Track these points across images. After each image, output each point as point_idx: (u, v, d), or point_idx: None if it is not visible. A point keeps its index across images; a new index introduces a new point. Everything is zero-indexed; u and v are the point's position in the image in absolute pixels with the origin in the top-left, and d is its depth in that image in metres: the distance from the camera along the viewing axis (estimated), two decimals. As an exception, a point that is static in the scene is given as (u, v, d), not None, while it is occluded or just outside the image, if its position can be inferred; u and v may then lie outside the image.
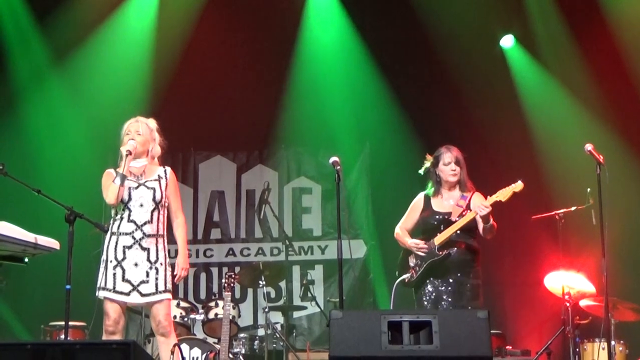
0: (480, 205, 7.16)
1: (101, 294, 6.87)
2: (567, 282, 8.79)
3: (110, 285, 6.79)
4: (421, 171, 7.68)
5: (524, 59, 11.69)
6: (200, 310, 9.80)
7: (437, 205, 7.52)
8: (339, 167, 7.06)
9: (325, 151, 11.25)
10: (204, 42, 11.42)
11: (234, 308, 9.52)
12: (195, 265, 11.66)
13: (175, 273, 6.96)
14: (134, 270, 6.81)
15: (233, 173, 12.21)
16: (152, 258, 6.85)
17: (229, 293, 8.83)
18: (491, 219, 7.21)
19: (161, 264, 6.87)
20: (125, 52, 11.55)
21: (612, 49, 10.74)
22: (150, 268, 6.83)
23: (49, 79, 11.53)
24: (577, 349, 8.71)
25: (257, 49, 11.55)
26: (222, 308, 8.99)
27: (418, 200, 7.66)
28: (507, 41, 11.80)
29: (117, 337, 6.77)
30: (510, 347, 9.72)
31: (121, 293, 6.79)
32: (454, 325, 5.26)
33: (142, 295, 6.80)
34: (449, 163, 7.49)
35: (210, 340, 9.39)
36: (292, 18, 11.71)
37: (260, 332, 10.75)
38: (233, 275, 8.99)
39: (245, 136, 12.07)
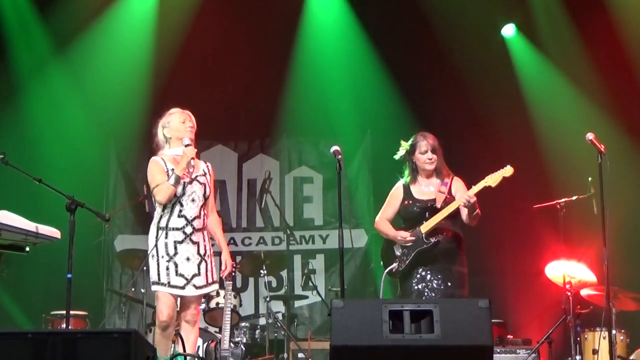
0: (463, 197, 7.14)
1: (155, 288, 6.96)
2: (568, 271, 8.79)
3: (164, 280, 6.89)
4: (396, 157, 7.65)
5: (526, 48, 11.67)
6: (202, 300, 9.80)
7: (418, 192, 7.49)
8: (340, 157, 7.05)
9: (327, 140, 11.25)
10: (205, 30, 11.40)
11: (235, 297, 9.53)
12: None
13: (223, 269, 7.13)
14: (186, 265, 6.91)
15: (234, 162, 12.21)
16: (202, 251, 6.99)
17: (230, 282, 8.86)
18: (477, 208, 7.21)
19: (209, 256, 7.03)
20: (127, 41, 11.53)
21: (614, 38, 10.72)
22: (201, 261, 6.97)
23: (50, 67, 11.51)
24: (578, 338, 8.73)
25: (258, 37, 11.53)
26: (224, 297, 9.00)
27: (397, 189, 7.63)
28: (509, 30, 11.79)
29: (170, 330, 6.91)
30: (512, 336, 9.72)
31: (176, 287, 6.89)
32: (455, 314, 5.27)
33: (197, 288, 6.94)
34: (425, 152, 7.47)
35: (212, 329, 9.41)
36: (294, 7, 11.69)
37: (262, 321, 10.78)
38: (234, 265, 9.02)
39: (247, 125, 12.07)
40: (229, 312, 8.69)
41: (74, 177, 10.48)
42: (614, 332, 8.13)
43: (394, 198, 7.62)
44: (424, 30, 11.24)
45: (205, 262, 6.97)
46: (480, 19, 11.30)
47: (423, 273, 7.33)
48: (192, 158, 6.95)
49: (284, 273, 11.47)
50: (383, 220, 7.64)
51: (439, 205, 7.32)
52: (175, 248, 6.90)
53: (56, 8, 11.20)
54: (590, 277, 8.96)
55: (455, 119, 10.98)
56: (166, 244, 6.90)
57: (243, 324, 9.93)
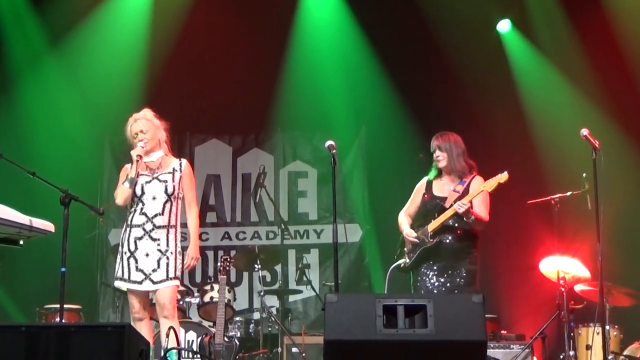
0: (459, 203, 7.18)
1: (116, 283, 7.21)
2: (562, 266, 8.80)
3: (125, 276, 7.08)
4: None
5: (521, 43, 11.68)
6: (196, 294, 9.83)
7: (437, 189, 7.54)
8: (334, 151, 7.07)
9: (321, 135, 11.26)
10: (200, 25, 11.39)
11: (229, 291, 9.54)
12: (185, 248, 11.68)
13: (185, 262, 7.19)
14: (146, 260, 7.04)
15: (229, 156, 12.20)
16: (163, 248, 7.07)
17: (225, 276, 8.86)
18: (472, 215, 7.21)
19: (171, 252, 7.09)
20: (122, 35, 11.52)
21: (609, 34, 10.72)
22: (161, 257, 7.06)
23: (45, 61, 11.50)
24: (572, 334, 8.74)
25: (254, 32, 11.51)
26: (218, 291, 9.00)
27: (420, 185, 7.69)
28: (504, 26, 11.79)
29: (144, 322, 7.12)
30: (505, 332, 9.73)
31: (135, 282, 7.05)
32: (448, 309, 5.26)
33: (154, 282, 7.05)
34: (434, 151, 7.52)
35: (206, 323, 9.42)
36: (289, 2, 11.68)
37: (256, 315, 10.79)
38: (228, 259, 9.03)
39: (241, 119, 12.05)
40: (223, 307, 8.69)
41: (68, 170, 10.45)
42: (607, 327, 8.14)
43: (417, 193, 7.69)
44: (420, 25, 11.23)
45: (167, 258, 7.05)
46: (475, 15, 11.30)
47: (431, 270, 7.38)
48: (139, 155, 7.04)
49: (278, 267, 11.47)
50: (403, 214, 7.70)
51: (447, 205, 7.34)
52: (136, 244, 7.07)
53: (51, 2, 11.18)
54: (584, 272, 8.97)
55: (450, 114, 10.96)
56: (128, 240, 7.09)
57: (237, 319, 9.95)
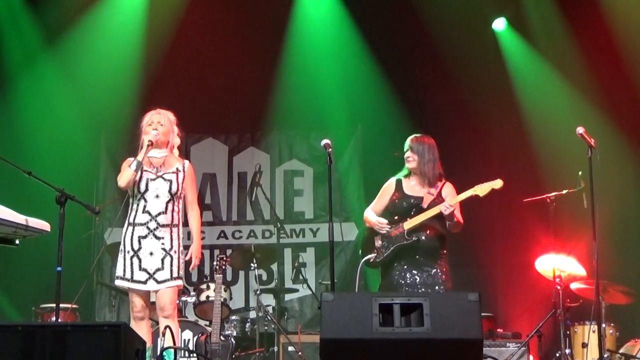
0: (445, 204, 7.20)
1: (118, 282, 7.19)
2: (558, 265, 8.81)
3: (128, 275, 7.07)
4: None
5: (516, 42, 11.67)
6: (192, 293, 9.82)
7: (409, 189, 7.55)
8: (330, 150, 7.07)
9: (317, 133, 11.25)
10: (196, 24, 11.37)
11: (225, 290, 9.53)
12: (187, 247, 11.66)
13: (187, 259, 7.19)
14: (150, 259, 7.05)
15: (225, 155, 12.19)
16: (167, 246, 7.08)
17: (221, 275, 8.86)
18: (455, 218, 7.25)
19: (175, 251, 7.10)
20: (118, 34, 11.50)
21: (604, 32, 10.73)
22: (165, 256, 7.06)
23: (40, 60, 11.47)
24: (568, 332, 8.76)
25: (250, 31, 11.51)
26: (214, 290, 9.00)
27: (389, 185, 7.68)
28: (500, 24, 11.78)
29: (145, 321, 7.12)
30: (501, 330, 9.75)
31: (139, 282, 7.05)
32: (444, 307, 5.27)
33: (158, 282, 7.05)
34: (406, 151, 7.55)
35: (202, 322, 9.41)
36: (285, 0, 11.67)
37: (252, 314, 10.77)
38: (224, 258, 9.02)
39: (237, 118, 12.05)
40: (219, 306, 8.69)
41: (64, 169, 10.44)
42: (603, 325, 8.17)
43: (385, 193, 7.68)
44: (415, 24, 11.23)
45: (171, 257, 7.06)
46: (471, 13, 11.29)
47: (405, 268, 7.40)
48: (150, 141, 7.08)
49: (274, 266, 11.47)
50: (371, 212, 7.69)
51: (425, 206, 7.37)
52: (139, 243, 7.06)
53: (47, 1, 11.17)
54: (580, 270, 8.98)
55: (446, 113, 10.98)
56: (132, 239, 7.08)
57: (233, 317, 9.94)
